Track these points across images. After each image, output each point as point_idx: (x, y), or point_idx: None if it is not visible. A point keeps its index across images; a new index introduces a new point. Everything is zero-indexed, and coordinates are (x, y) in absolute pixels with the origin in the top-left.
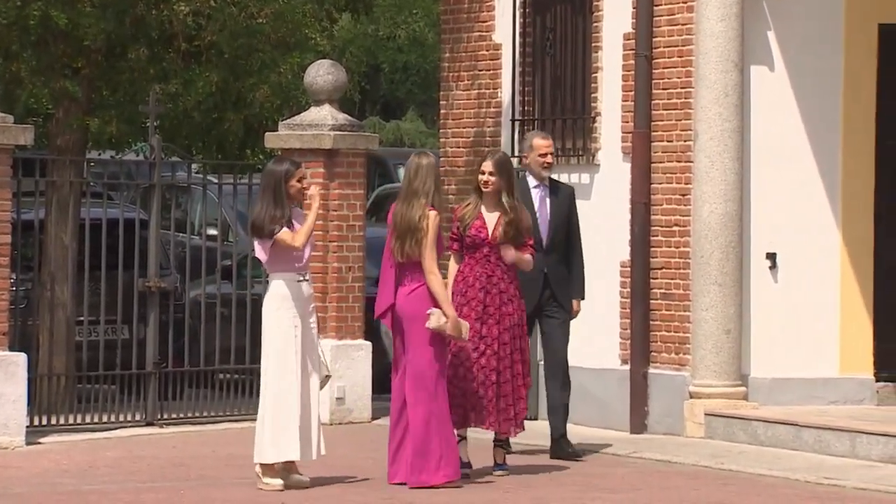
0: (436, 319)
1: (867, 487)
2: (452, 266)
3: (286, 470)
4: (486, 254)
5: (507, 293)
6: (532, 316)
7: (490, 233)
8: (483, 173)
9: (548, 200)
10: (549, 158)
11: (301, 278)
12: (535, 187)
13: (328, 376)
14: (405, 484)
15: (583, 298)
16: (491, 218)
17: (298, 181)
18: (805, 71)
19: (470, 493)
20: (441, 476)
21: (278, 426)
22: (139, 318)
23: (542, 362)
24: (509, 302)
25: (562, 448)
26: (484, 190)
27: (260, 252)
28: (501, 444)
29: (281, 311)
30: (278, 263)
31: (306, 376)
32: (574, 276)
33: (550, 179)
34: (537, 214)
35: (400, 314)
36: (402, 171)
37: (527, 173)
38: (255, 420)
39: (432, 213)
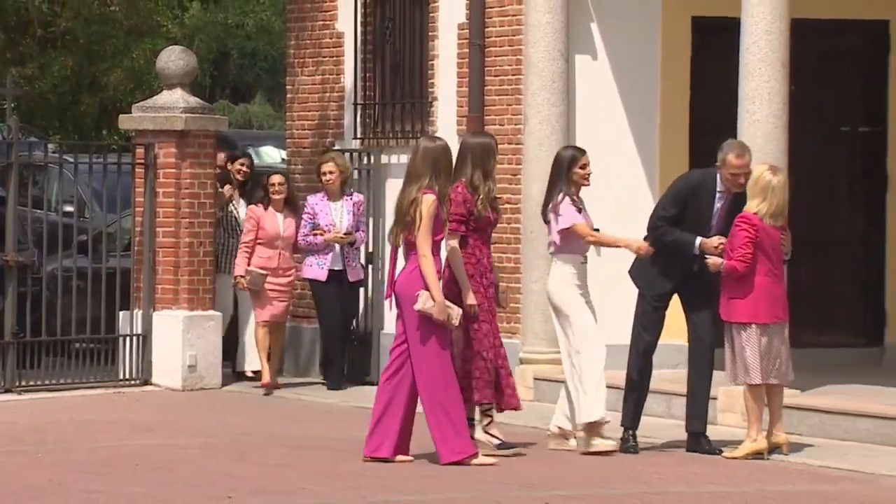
0: (422, 302)
1: (681, 444)
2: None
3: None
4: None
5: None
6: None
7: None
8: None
9: (723, 213)
10: (741, 180)
11: (584, 260)
12: (720, 192)
13: None
14: (387, 459)
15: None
16: None
17: (582, 167)
18: (625, 61)
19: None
20: (453, 453)
21: (598, 388)
22: None
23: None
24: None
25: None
26: None
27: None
28: None
29: (572, 288)
30: (568, 246)
31: None
32: None
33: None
34: (712, 218)
35: (398, 295)
36: (251, 152)
37: (717, 174)
38: (109, 387)
39: (426, 197)
